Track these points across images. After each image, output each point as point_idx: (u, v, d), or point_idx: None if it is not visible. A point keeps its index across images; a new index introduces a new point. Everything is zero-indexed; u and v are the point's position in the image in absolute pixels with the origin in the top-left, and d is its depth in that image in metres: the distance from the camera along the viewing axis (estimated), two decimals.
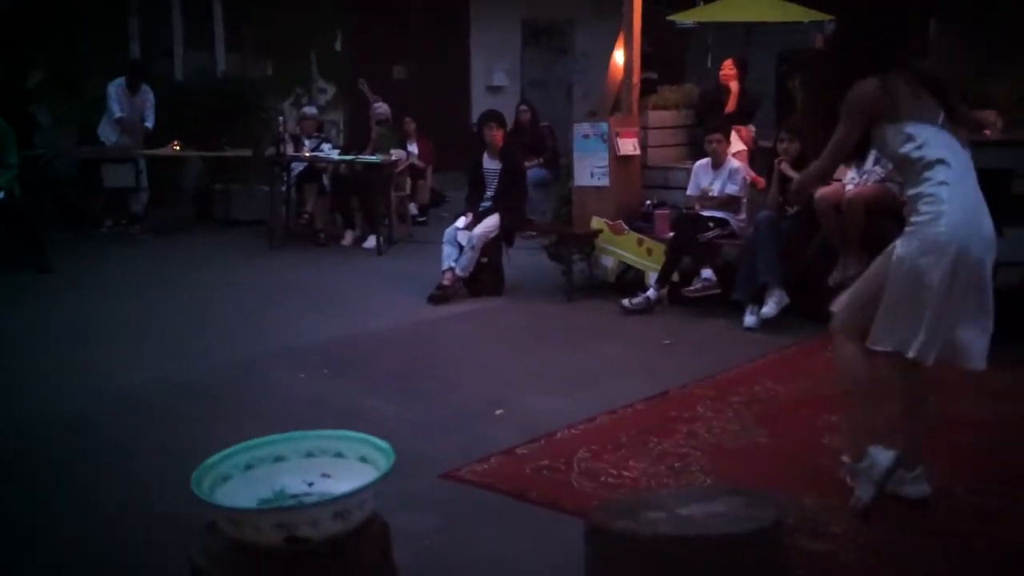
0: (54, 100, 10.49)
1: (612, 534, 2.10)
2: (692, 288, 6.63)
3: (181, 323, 6.43)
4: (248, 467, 2.14)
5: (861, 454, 3.31)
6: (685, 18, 12.12)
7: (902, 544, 3.15)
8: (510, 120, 11.00)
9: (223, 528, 1.94)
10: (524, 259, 7.96)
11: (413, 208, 10.61)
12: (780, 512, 2.17)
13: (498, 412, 4.59)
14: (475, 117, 12.31)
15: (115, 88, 9.64)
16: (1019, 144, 5.56)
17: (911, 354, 3.16)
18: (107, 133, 9.82)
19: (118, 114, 9.60)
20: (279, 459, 2.17)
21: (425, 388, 4.99)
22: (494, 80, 15.00)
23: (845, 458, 3.47)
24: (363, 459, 2.14)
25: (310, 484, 2.09)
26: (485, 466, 3.89)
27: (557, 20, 15.75)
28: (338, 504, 1.90)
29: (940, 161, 3.17)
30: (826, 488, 3.57)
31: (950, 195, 3.16)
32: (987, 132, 5.55)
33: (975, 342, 3.20)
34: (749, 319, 6.20)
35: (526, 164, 10.03)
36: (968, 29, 10.77)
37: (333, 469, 2.15)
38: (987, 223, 3.24)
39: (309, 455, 2.19)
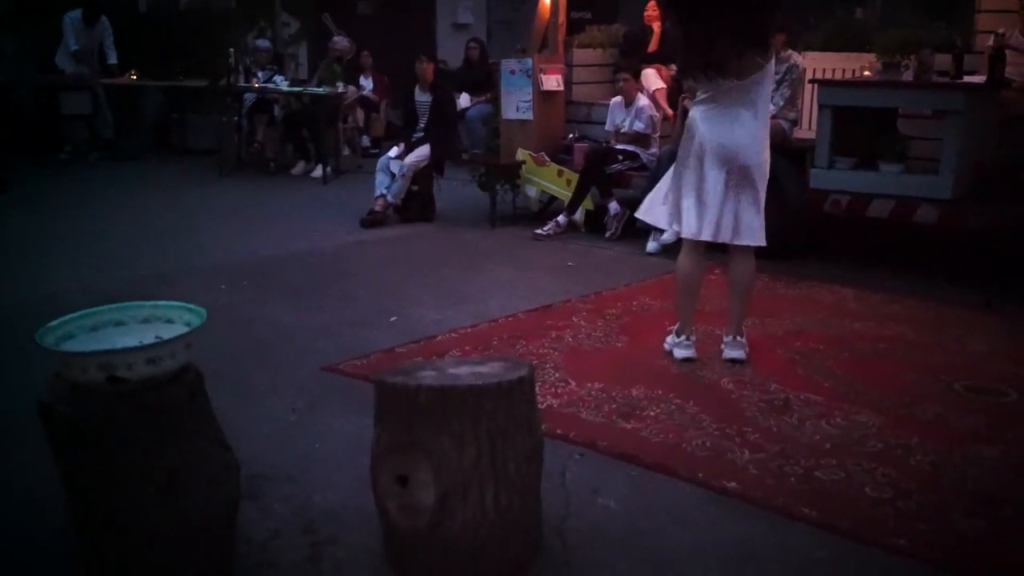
0: (21, 28, 10.79)
1: (386, 385, 2.58)
2: (543, 229, 7.09)
3: (118, 239, 6.87)
4: (92, 329, 2.59)
5: (682, 331, 4.43)
6: None
7: (700, 424, 3.65)
8: (461, 56, 11.40)
9: (59, 372, 2.40)
10: (458, 189, 8.39)
11: (365, 140, 10.99)
12: (528, 373, 2.63)
13: (392, 319, 5.07)
14: (440, 54, 12.65)
15: (70, 20, 9.93)
16: (899, 85, 5.96)
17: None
18: (64, 63, 10.12)
19: (73, 47, 9.90)
20: (119, 323, 2.63)
21: (328, 300, 5.46)
22: (459, 18, 15.25)
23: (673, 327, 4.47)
24: (188, 324, 2.59)
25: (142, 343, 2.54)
26: (364, 361, 4.37)
27: None
28: (150, 351, 2.36)
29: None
30: (657, 382, 4.08)
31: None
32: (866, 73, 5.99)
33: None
34: (651, 245, 6.66)
35: (474, 100, 10.45)
36: None
37: (165, 332, 2.60)
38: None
39: (145, 321, 2.64)
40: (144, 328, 2.63)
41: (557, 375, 4.19)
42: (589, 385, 4.05)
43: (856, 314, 5.22)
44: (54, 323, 2.53)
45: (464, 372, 2.65)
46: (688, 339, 4.42)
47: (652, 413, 3.76)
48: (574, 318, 5.08)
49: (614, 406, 3.83)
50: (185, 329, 2.51)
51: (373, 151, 11.01)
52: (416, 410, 2.51)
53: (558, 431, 3.52)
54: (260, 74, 10.01)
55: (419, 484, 2.53)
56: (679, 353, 4.39)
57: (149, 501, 2.37)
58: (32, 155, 9.80)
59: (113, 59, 10.06)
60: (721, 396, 3.96)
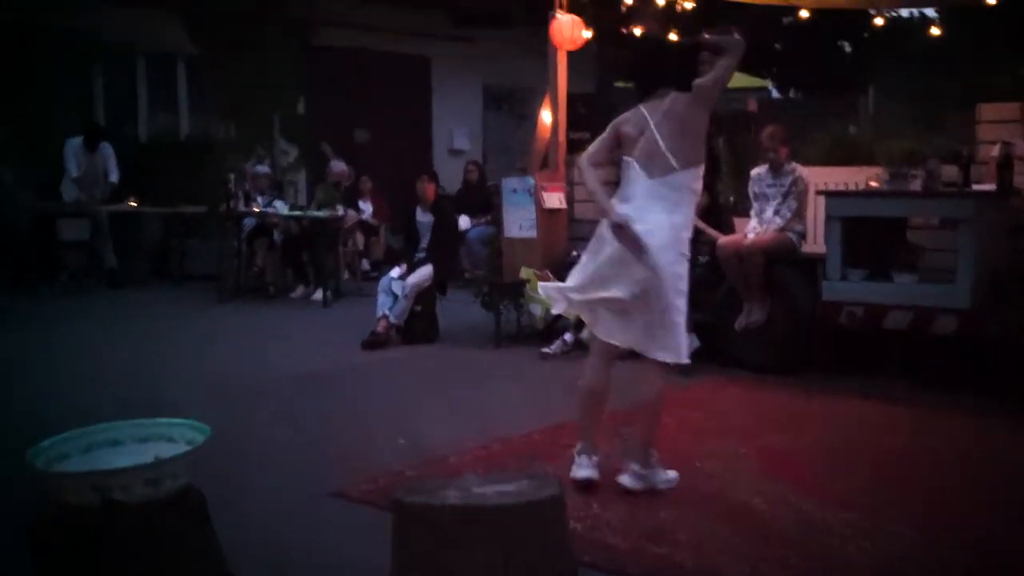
0: (17, 157, 10.84)
1: (405, 505, 2.36)
2: (550, 348, 6.95)
3: (113, 363, 6.68)
4: (87, 450, 2.40)
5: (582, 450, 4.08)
6: (628, 84, 12.63)
7: (736, 549, 3.40)
8: (458, 181, 11.47)
9: (51, 494, 2.19)
10: (460, 310, 8.26)
11: (365, 264, 10.93)
12: (558, 491, 2.42)
13: (400, 441, 4.84)
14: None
15: (72, 146, 9.99)
16: (909, 195, 5.91)
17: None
18: (68, 191, 10.13)
19: (74, 173, 9.95)
20: (115, 443, 2.44)
21: (332, 422, 5.25)
22: (455, 144, 15.46)
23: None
24: (189, 442, 2.40)
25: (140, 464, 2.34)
26: (373, 486, 4.13)
27: (518, 88, 16.28)
28: (148, 471, 2.16)
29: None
30: (684, 503, 3.84)
31: None
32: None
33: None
34: None
35: (474, 222, 10.45)
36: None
37: (165, 451, 2.40)
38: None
39: (143, 440, 2.45)
40: (142, 448, 2.44)
41: (579, 497, 3.95)
42: (613, 507, 3.82)
43: (880, 427, 5.02)
44: (46, 443, 2.34)
45: (489, 491, 2.44)
46: (590, 456, 4.05)
47: (683, 537, 3.51)
48: None
49: (642, 529, 3.59)
50: (187, 448, 2.32)
51: (373, 275, 10.93)
52: (441, 534, 2.29)
53: (585, 558, 3.26)
54: (260, 199, 10.02)
55: None
56: (579, 473, 3.98)
57: None
58: (28, 283, 9.68)
59: (115, 177, 10.07)
60: (754, 517, 3.72)
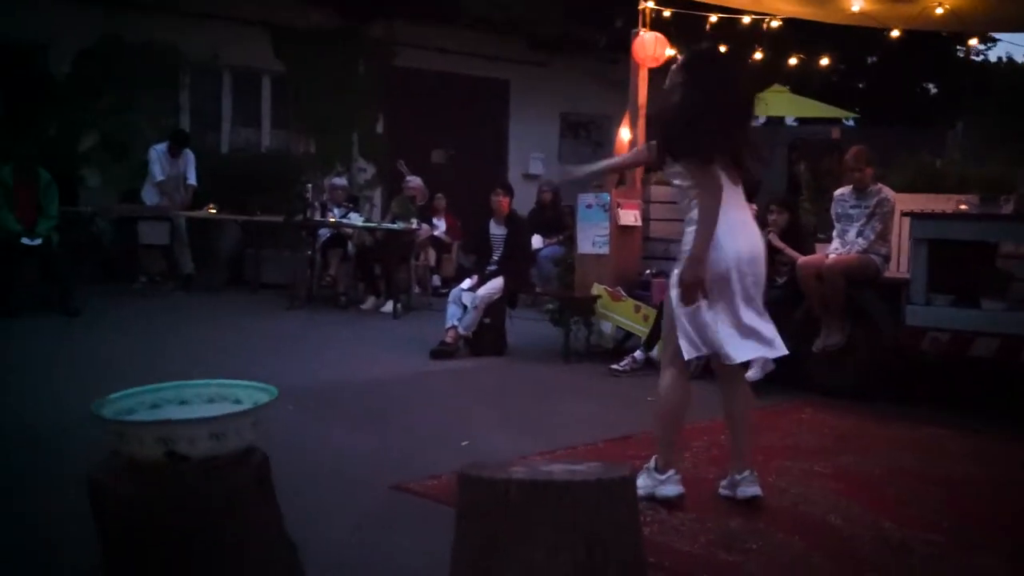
0: (104, 163, 11.14)
1: (472, 479, 2.29)
2: (620, 365, 6.80)
3: (182, 361, 6.69)
4: (154, 406, 2.38)
5: (665, 469, 3.81)
6: None
7: (811, 563, 3.25)
8: (532, 200, 11.45)
9: (113, 444, 2.17)
10: (530, 325, 8.20)
11: (436, 280, 10.94)
12: (630, 473, 2.33)
13: (464, 443, 4.77)
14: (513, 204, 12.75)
15: (156, 152, 10.21)
16: (1000, 218, 5.71)
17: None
18: (150, 195, 10.35)
19: (159, 177, 10.14)
20: (183, 403, 2.41)
21: (397, 424, 5.20)
22: (531, 169, 15.47)
23: (652, 461, 3.86)
24: (256, 403, 2.36)
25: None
26: (436, 481, 4.06)
27: (595, 116, 16.29)
28: (214, 424, 2.12)
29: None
30: (756, 515, 3.70)
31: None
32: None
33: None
34: None
35: (546, 241, 10.41)
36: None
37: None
38: None
39: (211, 400, 2.42)
40: (209, 408, 2.40)
41: (645, 504, 3.82)
42: (681, 514, 3.69)
43: (958, 455, 4.79)
44: (114, 396, 2.32)
45: (557, 470, 2.35)
46: (676, 473, 3.84)
47: (754, 546, 3.37)
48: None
49: (711, 536, 3.45)
50: (253, 405, 2.28)
51: (443, 291, 10.93)
52: (505, 509, 2.21)
53: (651, 559, 3.15)
54: (336, 211, 10.10)
55: None
56: (670, 490, 3.76)
57: None
58: (109, 284, 9.89)
59: (193, 180, 10.27)
60: (831, 533, 3.56)
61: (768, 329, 3.83)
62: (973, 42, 21.39)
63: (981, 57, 29.59)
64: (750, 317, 3.76)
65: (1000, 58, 31.58)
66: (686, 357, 3.70)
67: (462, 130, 14.59)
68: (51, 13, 10.84)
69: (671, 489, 3.78)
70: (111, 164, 11.20)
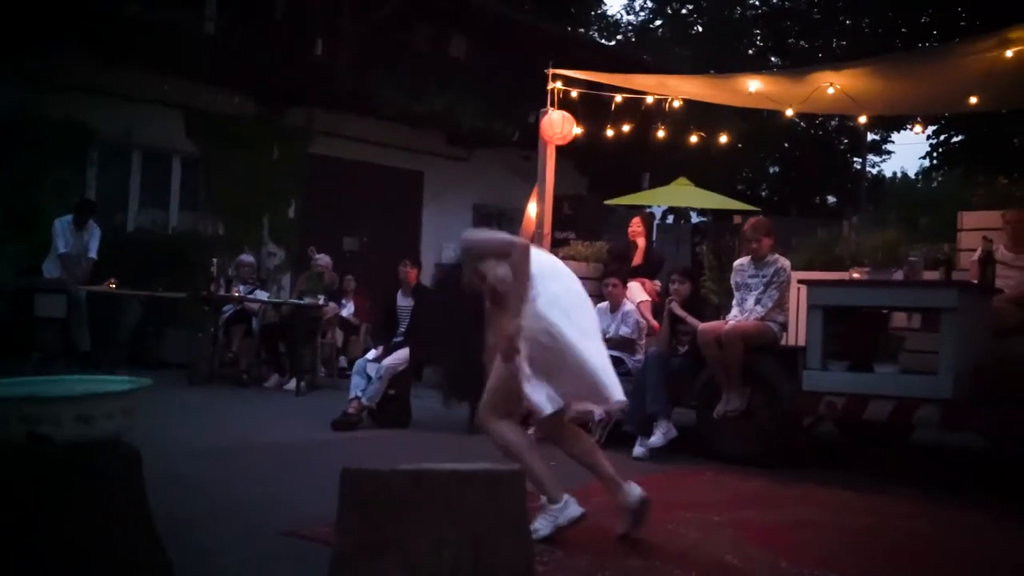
0: (4, 239, 10.82)
1: (355, 471, 2.22)
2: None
3: None
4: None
5: (557, 497, 3.86)
6: (619, 203, 12.83)
7: None
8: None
9: None
10: (435, 401, 8.08)
11: (343, 361, 10.78)
12: (519, 471, 2.28)
13: None
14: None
15: (61, 224, 9.94)
16: (892, 284, 5.91)
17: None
18: (51, 269, 10.03)
19: (61, 249, 9.85)
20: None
21: (294, 481, 5.10)
22: (443, 258, 15.53)
23: (543, 499, 3.89)
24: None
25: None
26: (329, 528, 3.92)
27: (507, 208, 16.52)
28: (81, 405, 2.02)
29: None
30: (656, 555, 3.67)
31: None
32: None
33: None
34: (638, 449, 6.32)
35: None
36: None
37: None
38: None
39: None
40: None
41: (542, 546, 3.75)
42: (579, 557, 3.62)
43: (858, 509, 4.85)
44: None
45: (445, 468, 2.30)
46: (571, 496, 3.91)
47: None
48: None
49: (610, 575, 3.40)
50: (123, 388, 2.19)
51: (349, 373, 10.77)
52: (390, 501, 2.14)
53: None
54: (241, 288, 9.95)
55: None
56: (573, 511, 3.85)
57: None
58: (1, 359, 9.48)
59: (94, 254, 9.98)
60: (728, 571, 3.54)
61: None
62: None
63: (877, 169, 31.21)
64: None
65: (895, 173, 33.39)
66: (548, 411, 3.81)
67: (376, 218, 14.63)
68: None
69: (574, 510, 3.84)
70: (12, 240, 10.87)
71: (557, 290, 3.90)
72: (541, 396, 3.77)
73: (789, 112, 7.59)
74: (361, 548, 2.16)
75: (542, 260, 4.03)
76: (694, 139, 8.72)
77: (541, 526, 3.77)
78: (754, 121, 15.65)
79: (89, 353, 9.90)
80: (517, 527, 2.21)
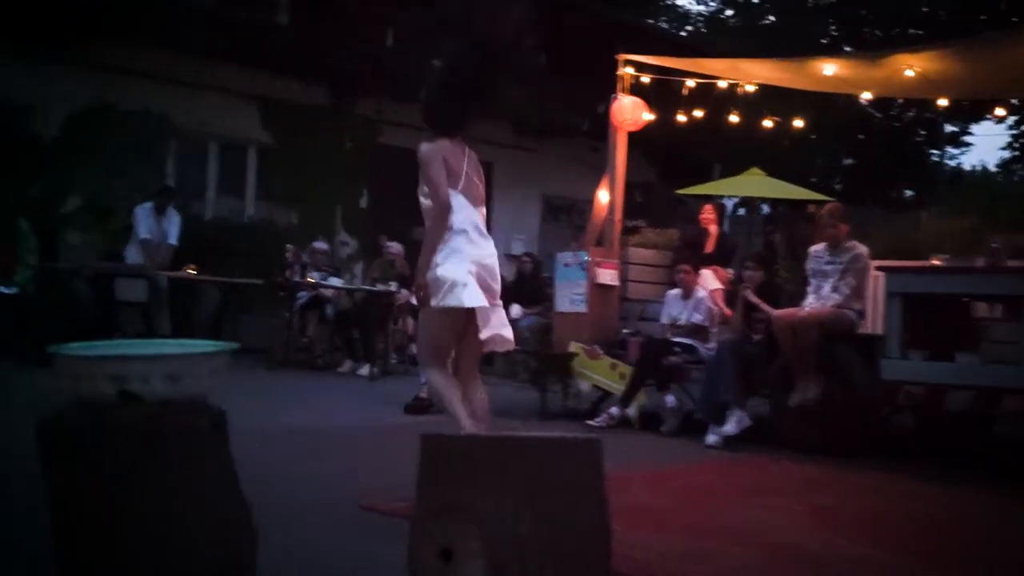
0: (86, 225, 11.15)
1: (434, 436, 2.24)
2: (595, 421, 6.81)
3: None
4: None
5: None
6: (690, 192, 12.72)
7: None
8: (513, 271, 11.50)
9: (67, 387, 2.12)
10: (507, 391, 8.13)
11: (414, 348, 10.88)
12: (599, 442, 2.28)
13: None
14: None
15: (142, 210, 10.19)
16: (973, 270, 5.76)
17: None
18: (133, 255, 10.29)
19: (143, 235, 10.10)
20: None
21: (370, 461, 5.20)
22: (512, 249, 15.57)
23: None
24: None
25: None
26: (406, 504, 3.96)
27: (576, 199, 16.49)
28: (168, 364, 2.08)
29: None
30: (726, 537, 3.64)
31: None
32: None
33: None
34: (711, 437, 6.25)
35: (526, 311, 10.41)
36: None
37: None
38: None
39: None
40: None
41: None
42: (646, 535, 3.60)
43: (939, 502, 4.73)
44: (75, 344, 2.28)
45: (524, 434, 2.31)
46: None
47: (726, 563, 3.30)
48: (633, 487, 4.64)
49: (683, 551, 3.38)
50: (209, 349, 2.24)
51: None
52: (468, 464, 2.16)
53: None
54: (316, 275, 10.10)
55: (466, 556, 2.14)
56: None
57: (143, 542, 2.01)
58: (84, 339, 9.76)
59: (174, 240, 10.23)
60: (805, 555, 3.49)
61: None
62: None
63: (956, 162, 30.38)
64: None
65: (974, 166, 32.47)
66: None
67: None
68: (43, 77, 10.99)
69: None
70: (94, 226, 11.20)
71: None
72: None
73: (866, 96, 7.44)
74: (440, 512, 2.18)
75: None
76: (768, 123, 8.59)
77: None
78: (828, 111, 15.40)
79: (168, 335, 10.14)
80: (594, 495, 2.21)
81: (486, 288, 4.03)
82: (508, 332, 4.12)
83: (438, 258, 4.00)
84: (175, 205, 10.45)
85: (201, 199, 12.70)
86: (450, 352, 4.18)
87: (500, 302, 4.20)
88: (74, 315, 9.89)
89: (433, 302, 3.99)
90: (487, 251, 4.12)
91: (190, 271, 10.20)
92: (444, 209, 4.02)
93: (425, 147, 4.11)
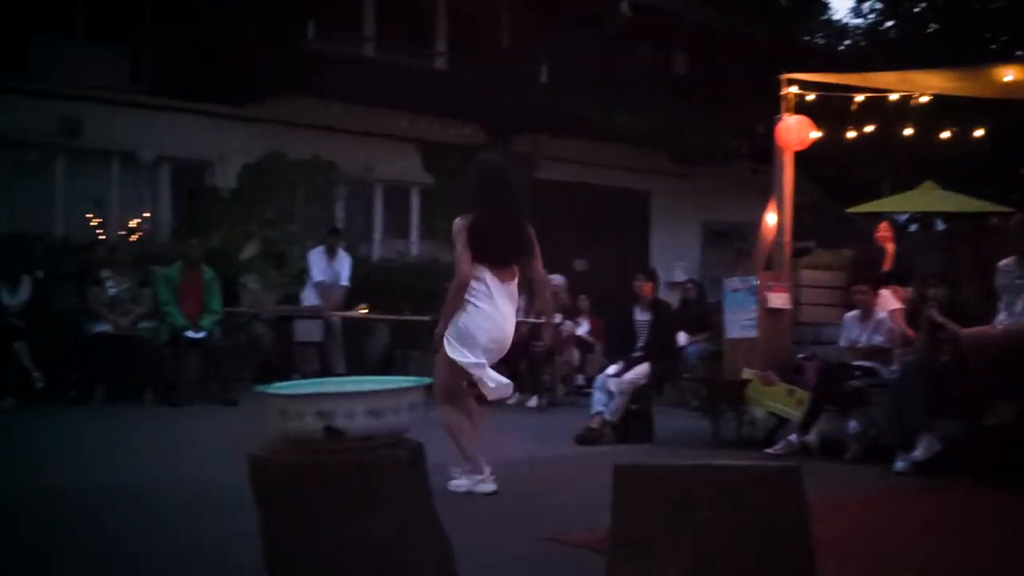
0: (264, 270, 11.75)
1: (629, 468, 2.22)
2: (774, 449, 6.59)
3: None
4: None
5: (481, 471, 4.88)
6: (860, 210, 12.28)
7: None
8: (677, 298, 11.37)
9: (275, 424, 2.21)
10: (678, 419, 8.02)
11: (580, 379, 10.90)
12: (796, 465, 2.21)
13: None
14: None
15: (315, 254, 10.67)
16: None
17: None
18: (308, 297, 10.77)
19: (317, 278, 10.55)
20: None
21: (550, 491, 5.23)
22: (674, 276, 15.39)
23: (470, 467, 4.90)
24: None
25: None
26: (592, 535, 3.95)
27: (737, 223, 16.18)
28: (371, 400, 2.15)
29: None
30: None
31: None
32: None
33: None
34: (899, 464, 5.97)
35: (692, 339, 10.27)
36: None
37: None
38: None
39: None
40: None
41: None
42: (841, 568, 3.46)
43: None
44: (279, 384, 2.39)
45: (721, 463, 2.26)
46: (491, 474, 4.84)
47: None
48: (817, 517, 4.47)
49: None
50: (408, 384, 2.30)
51: (587, 391, 10.85)
52: (665, 496, 2.13)
53: None
54: None
55: None
56: (487, 487, 4.80)
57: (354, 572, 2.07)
58: (266, 382, 10.25)
59: (345, 281, 10.62)
60: None
61: None
62: None
63: None
64: None
65: None
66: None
67: (605, 239, 14.71)
68: (220, 133, 11.70)
69: (490, 486, 4.81)
70: (271, 271, 11.79)
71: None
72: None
73: None
74: (636, 543, 2.16)
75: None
76: (945, 135, 8.20)
77: (461, 483, 4.84)
78: (1005, 121, 14.57)
79: (343, 375, 10.52)
80: (795, 524, 2.14)
81: (496, 347, 4.93)
82: (496, 383, 4.83)
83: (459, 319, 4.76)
84: (345, 247, 10.86)
85: (368, 240, 13.15)
86: (459, 392, 4.97)
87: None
88: (256, 358, 10.41)
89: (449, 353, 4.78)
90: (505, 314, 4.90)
91: (362, 310, 10.57)
92: (464, 285, 4.74)
93: (457, 222, 4.82)
